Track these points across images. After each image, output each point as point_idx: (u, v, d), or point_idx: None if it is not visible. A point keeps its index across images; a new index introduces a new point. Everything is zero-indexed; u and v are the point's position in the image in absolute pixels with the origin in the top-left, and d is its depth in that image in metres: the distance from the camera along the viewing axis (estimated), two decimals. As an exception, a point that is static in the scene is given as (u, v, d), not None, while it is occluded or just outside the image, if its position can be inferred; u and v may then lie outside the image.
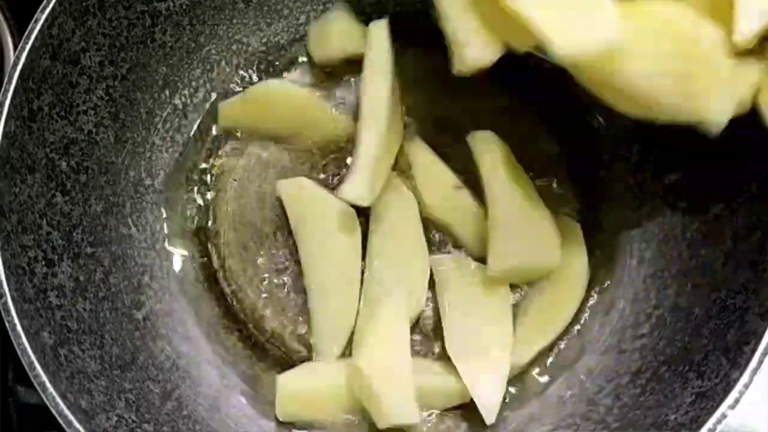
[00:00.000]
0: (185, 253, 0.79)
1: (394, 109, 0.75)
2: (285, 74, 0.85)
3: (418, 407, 0.69)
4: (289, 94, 0.81)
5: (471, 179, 0.77)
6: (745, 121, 0.58)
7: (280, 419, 0.72)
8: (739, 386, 0.58)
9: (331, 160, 0.81)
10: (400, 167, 0.79)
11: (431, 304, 0.75)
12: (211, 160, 0.82)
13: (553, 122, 0.81)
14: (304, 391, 0.72)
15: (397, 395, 0.68)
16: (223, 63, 0.84)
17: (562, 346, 0.75)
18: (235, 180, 0.82)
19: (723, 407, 0.58)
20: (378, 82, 0.75)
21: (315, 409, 0.72)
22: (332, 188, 0.78)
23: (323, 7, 0.85)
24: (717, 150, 0.60)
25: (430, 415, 0.72)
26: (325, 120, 0.81)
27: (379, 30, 0.76)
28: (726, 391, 0.59)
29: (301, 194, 0.78)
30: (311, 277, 0.76)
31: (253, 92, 0.82)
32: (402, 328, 0.71)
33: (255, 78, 0.84)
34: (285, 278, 0.78)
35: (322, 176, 0.80)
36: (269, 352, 0.76)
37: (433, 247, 0.77)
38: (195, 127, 0.83)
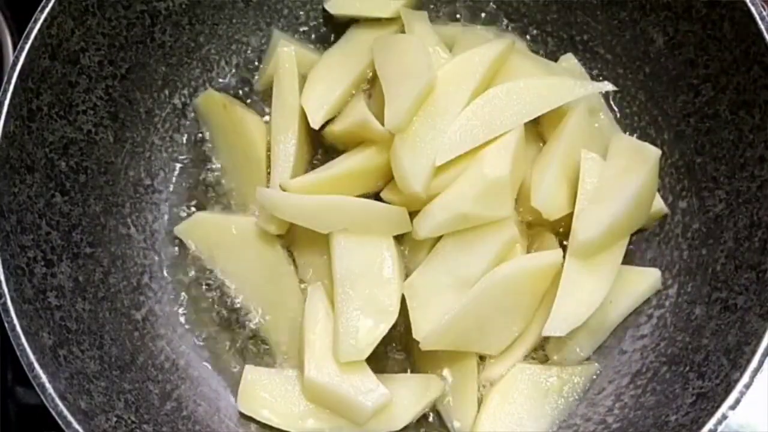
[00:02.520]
0: (185, 253, 0.79)
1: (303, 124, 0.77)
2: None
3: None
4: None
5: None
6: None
7: (240, 410, 0.72)
8: (739, 387, 0.58)
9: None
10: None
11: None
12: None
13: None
14: (266, 385, 0.72)
15: (358, 383, 0.68)
16: (222, 62, 0.84)
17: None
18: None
19: (724, 408, 0.58)
20: (286, 103, 0.78)
21: (274, 407, 0.71)
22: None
23: (322, 6, 0.85)
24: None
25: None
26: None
27: (288, 53, 0.79)
28: (727, 392, 0.59)
29: (204, 228, 0.78)
30: (249, 297, 0.77)
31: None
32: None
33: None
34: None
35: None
36: (267, 353, 0.76)
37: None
38: (194, 126, 0.83)
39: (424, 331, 0.68)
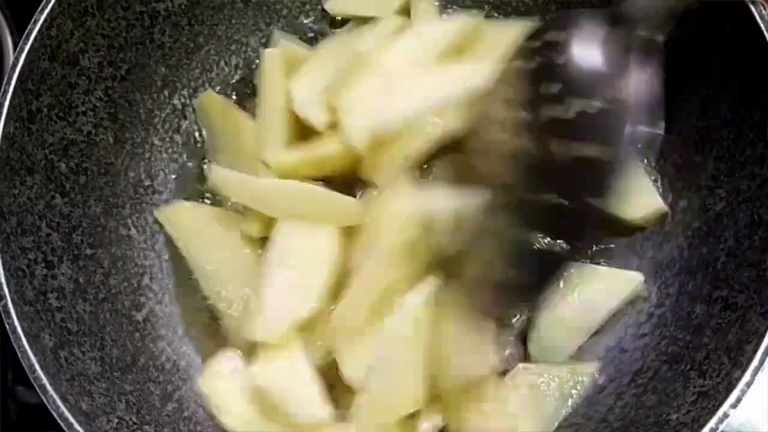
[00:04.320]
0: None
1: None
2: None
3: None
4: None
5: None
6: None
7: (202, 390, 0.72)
8: (741, 385, 0.58)
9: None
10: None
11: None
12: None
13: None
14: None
15: (301, 395, 0.67)
16: (222, 63, 0.84)
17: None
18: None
19: (725, 407, 0.58)
20: (270, 106, 0.77)
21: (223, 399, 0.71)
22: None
23: (321, 7, 0.85)
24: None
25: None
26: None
27: (272, 58, 0.78)
28: (728, 391, 0.58)
29: (184, 216, 0.78)
30: (226, 289, 0.76)
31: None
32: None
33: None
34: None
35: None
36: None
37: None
38: (194, 127, 0.83)
39: (351, 369, 0.67)
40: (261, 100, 0.79)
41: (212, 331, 0.76)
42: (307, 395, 0.67)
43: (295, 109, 0.76)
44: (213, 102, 0.81)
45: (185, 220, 0.78)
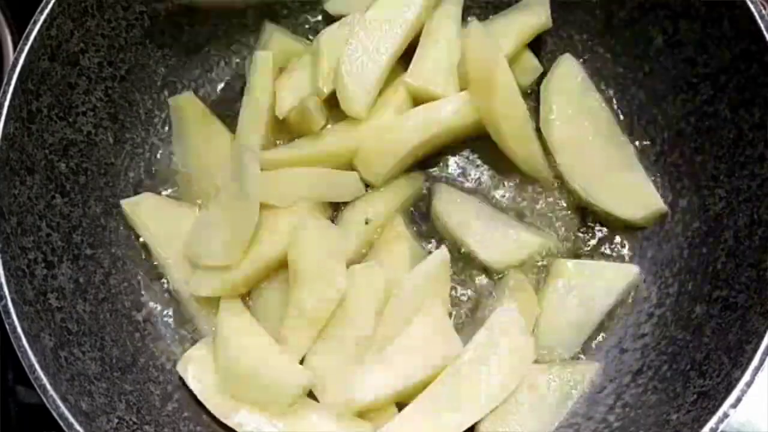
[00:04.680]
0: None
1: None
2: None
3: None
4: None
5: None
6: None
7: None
8: (741, 385, 0.58)
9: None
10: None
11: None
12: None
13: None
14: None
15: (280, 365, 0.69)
16: (222, 63, 0.84)
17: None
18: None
19: (725, 406, 0.58)
20: (255, 106, 0.78)
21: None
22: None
23: (321, 7, 0.85)
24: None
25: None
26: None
27: (264, 59, 0.79)
28: (728, 390, 0.59)
29: (150, 208, 0.78)
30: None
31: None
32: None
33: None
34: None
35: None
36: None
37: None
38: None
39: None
40: (248, 98, 0.79)
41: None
42: (279, 363, 0.69)
43: (279, 111, 0.77)
44: (189, 104, 0.80)
45: (152, 214, 0.77)
